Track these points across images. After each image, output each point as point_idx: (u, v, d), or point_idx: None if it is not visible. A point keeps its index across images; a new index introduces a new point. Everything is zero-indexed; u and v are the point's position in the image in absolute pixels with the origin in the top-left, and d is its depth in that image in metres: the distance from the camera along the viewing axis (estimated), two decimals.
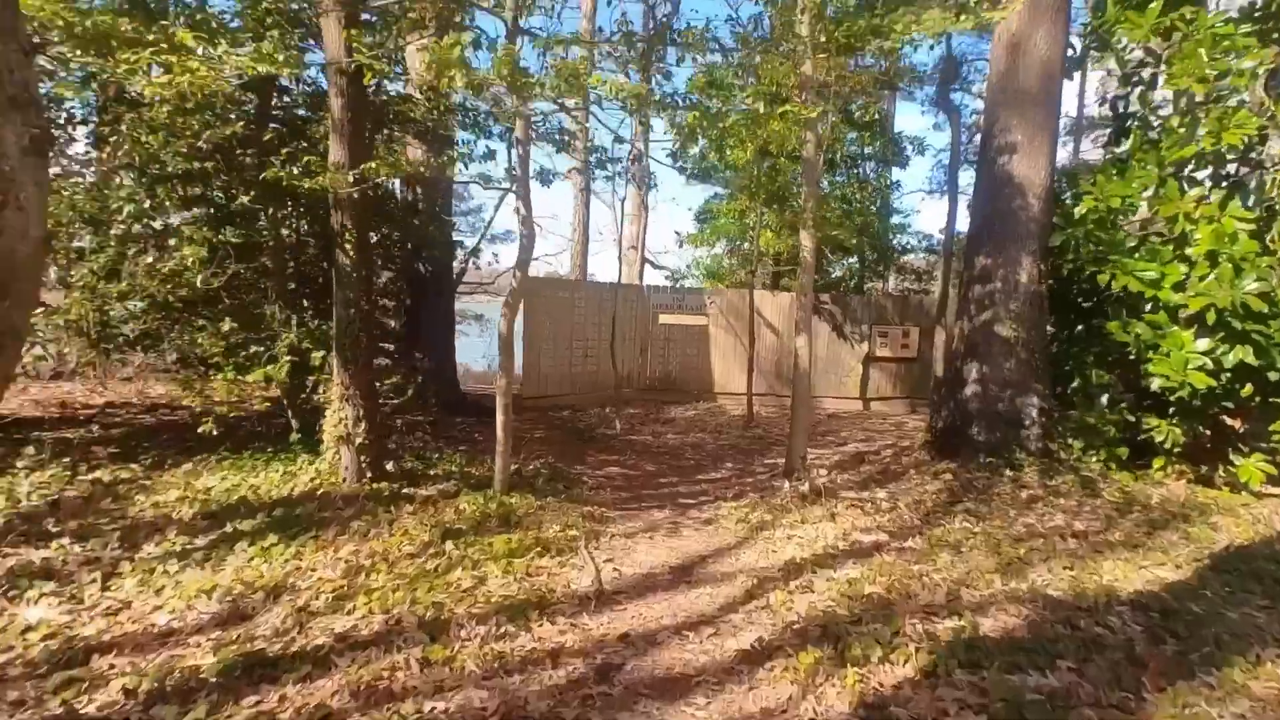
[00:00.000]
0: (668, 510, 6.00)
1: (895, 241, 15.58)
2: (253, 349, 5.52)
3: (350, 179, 4.71)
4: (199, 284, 5.34)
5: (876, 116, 13.94)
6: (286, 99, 6.94)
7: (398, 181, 10.38)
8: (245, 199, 5.34)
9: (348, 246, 4.95)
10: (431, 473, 6.06)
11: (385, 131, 7.56)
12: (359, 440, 5.15)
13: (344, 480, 5.19)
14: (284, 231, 6.41)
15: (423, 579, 3.81)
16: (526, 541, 4.49)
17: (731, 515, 5.72)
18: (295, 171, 4.78)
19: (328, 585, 3.63)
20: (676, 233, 15.02)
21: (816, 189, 6.85)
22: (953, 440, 7.19)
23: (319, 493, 4.99)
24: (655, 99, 5.57)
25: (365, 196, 5.16)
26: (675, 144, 6.12)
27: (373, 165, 4.52)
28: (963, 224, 14.85)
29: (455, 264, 11.29)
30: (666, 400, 12.82)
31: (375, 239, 9.76)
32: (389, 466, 5.86)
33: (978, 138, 16.34)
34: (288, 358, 5.38)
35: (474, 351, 23.74)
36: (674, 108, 6.13)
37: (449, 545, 4.26)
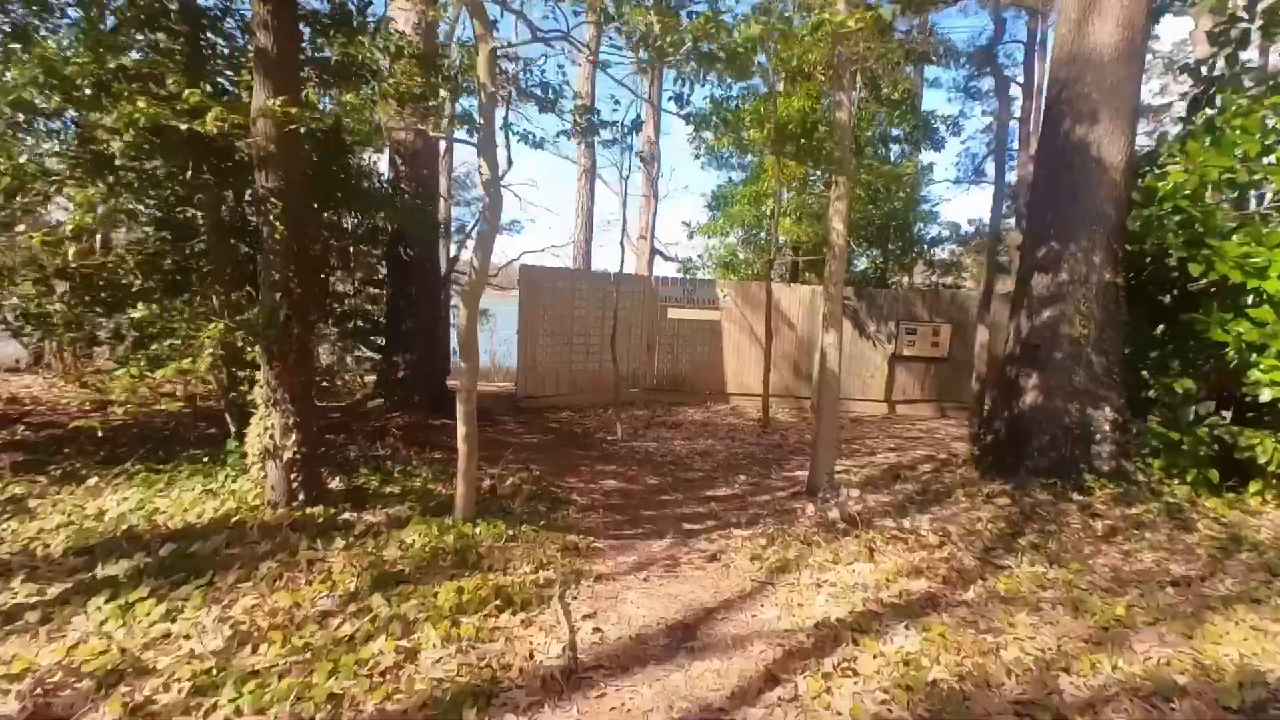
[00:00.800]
0: (668, 540, 5.00)
1: (924, 231, 14.45)
2: (169, 342, 4.57)
3: (259, 123, 3.75)
4: (74, 258, 4.39)
5: (906, 95, 12.81)
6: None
7: (384, 158, 9.44)
8: (125, 139, 4.35)
9: (273, 214, 3.97)
10: (387, 491, 5.09)
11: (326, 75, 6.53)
12: (288, 454, 4.19)
13: (269, 504, 4.24)
14: (226, 200, 5.44)
15: (328, 654, 2.83)
16: (484, 591, 3.50)
17: (745, 549, 4.71)
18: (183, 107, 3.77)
19: (189, 669, 2.65)
20: (685, 223, 13.95)
21: (849, 155, 5.79)
22: (1006, 457, 6.13)
23: (234, 520, 4.03)
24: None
25: (296, 152, 4.18)
26: (681, 82, 5.04)
27: (295, 109, 3.54)
28: (1001, 209, 13.71)
29: (448, 251, 10.38)
30: (675, 401, 11.81)
31: (354, 223, 8.85)
32: (335, 483, 4.90)
33: (1012, 120, 15.16)
34: (209, 351, 4.42)
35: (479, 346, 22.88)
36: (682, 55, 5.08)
37: (378, 599, 3.27)
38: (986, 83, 20.10)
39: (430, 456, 6.64)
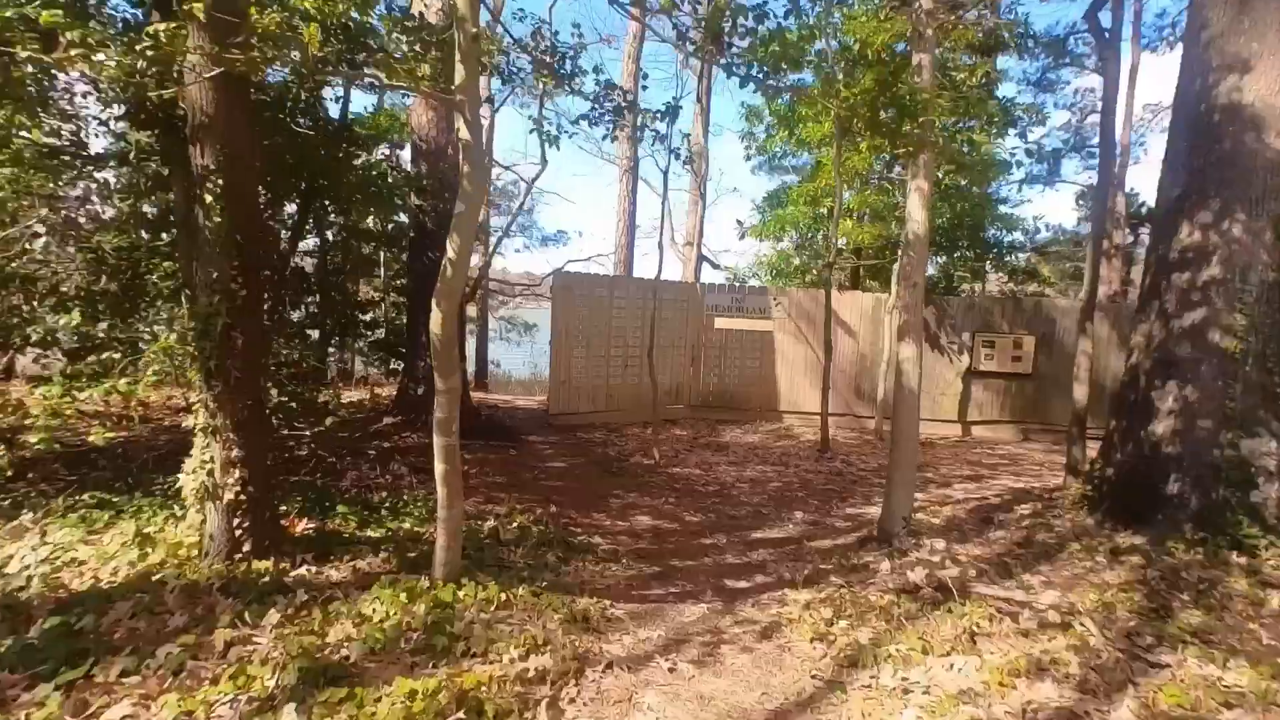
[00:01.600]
0: (705, 602, 3.99)
1: (1001, 234, 13.06)
2: (106, 355, 3.84)
3: (192, 85, 2.97)
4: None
5: (984, 80, 11.52)
6: None
7: (407, 153, 8.75)
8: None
9: (209, 196, 3.19)
10: (366, 535, 4.24)
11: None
12: (229, 495, 3.38)
13: (206, 556, 3.43)
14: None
15: None
16: (445, 696, 2.57)
17: (804, 622, 3.66)
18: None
19: None
20: (738, 221, 12.93)
21: (931, 126, 4.73)
22: (1132, 498, 4.90)
23: (156, 577, 3.23)
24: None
25: (239, 119, 3.39)
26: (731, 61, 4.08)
27: (234, 55, 2.72)
28: (1108, 196, 12.19)
29: (475, 259, 9.62)
30: (722, 420, 10.76)
31: (373, 225, 8.17)
32: (303, 526, 4.07)
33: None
34: (156, 368, 3.66)
35: (517, 358, 22.25)
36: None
37: (290, 713, 2.37)
38: (1061, 74, 18.54)
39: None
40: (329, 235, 8.35)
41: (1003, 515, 5.69)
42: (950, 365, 10.91)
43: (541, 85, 5.18)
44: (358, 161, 6.92)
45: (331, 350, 9.64)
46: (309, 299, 8.46)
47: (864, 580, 4.26)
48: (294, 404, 5.16)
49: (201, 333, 3.25)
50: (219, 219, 3.20)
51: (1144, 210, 19.01)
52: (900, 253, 4.84)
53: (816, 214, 11.46)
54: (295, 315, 8.41)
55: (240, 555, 3.43)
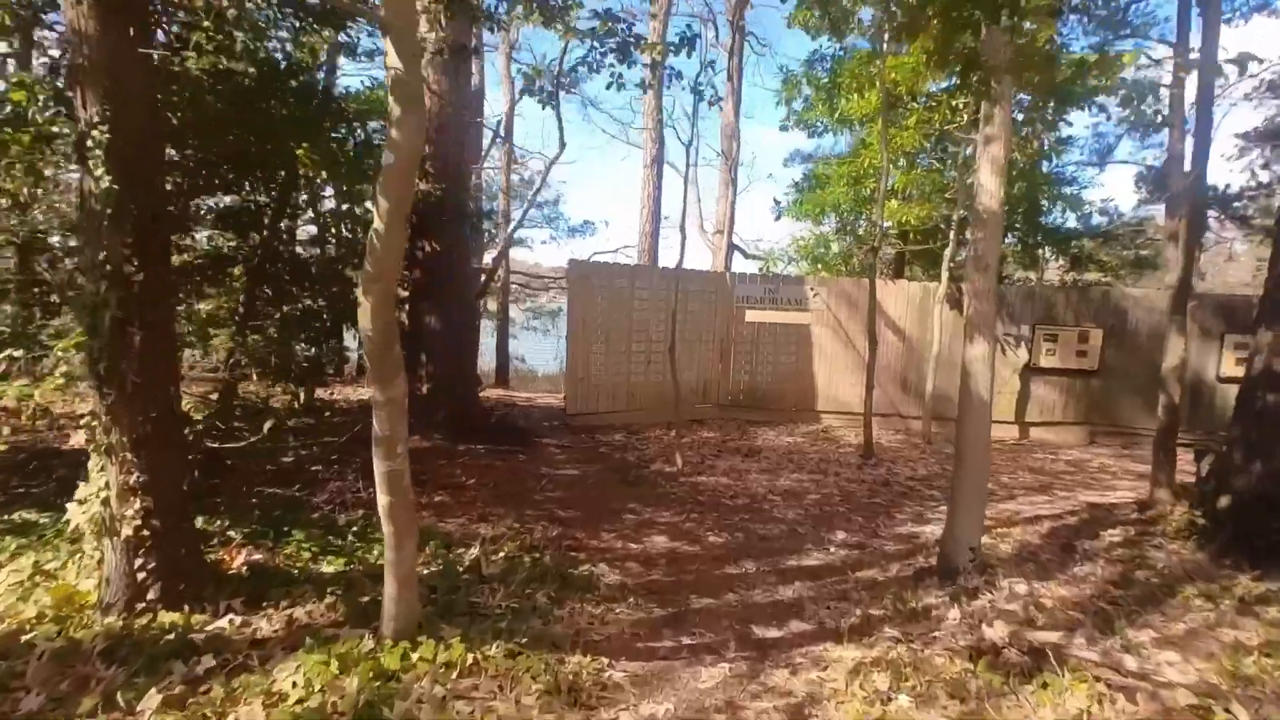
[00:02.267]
0: (727, 660, 3.23)
1: (1065, 217, 11.93)
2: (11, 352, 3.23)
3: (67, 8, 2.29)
4: None
5: (1048, 46, 10.39)
6: None
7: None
8: None
9: (93, 155, 2.51)
10: (319, 571, 3.55)
11: None
12: (129, 530, 2.72)
13: (102, 603, 2.78)
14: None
15: None
16: None
17: (852, 697, 2.87)
18: None
19: None
20: (776, 200, 12.06)
21: (1018, 34, 3.85)
22: (1261, 531, 3.98)
23: (27, 637, 2.58)
24: None
25: (132, 60, 2.70)
26: None
27: None
28: (1207, 159, 10.96)
29: (488, 252, 8.98)
30: (754, 420, 9.93)
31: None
32: (242, 560, 3.40)
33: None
34: (65, 369, 3.03)
35: (546, 352, 21.61)
36: None
37: None
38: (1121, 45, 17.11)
39: (426, 500, 5.12)
40: (327, 220, 7.74)
41: (1087, 542, 4.79)
42: (1006, 360, 9.89)
43: (533, 24, 4.40)
44: (341, 135, 6.26)
45: (338, 345, 9.04)
46: (305, 290, 7.87)
47: (926, 633, 3.44)
48: (233, 409, 4.50)
49: (89, 328, 2.59)
50: (106, 184, 2.53)
51: (1217, 193, 17.52)
52: (970, 231, 3.98)
53: (859, 195, 10.51)
54: (290, 308, 7.83)
55: (144, 604, 2.77)
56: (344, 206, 7.61)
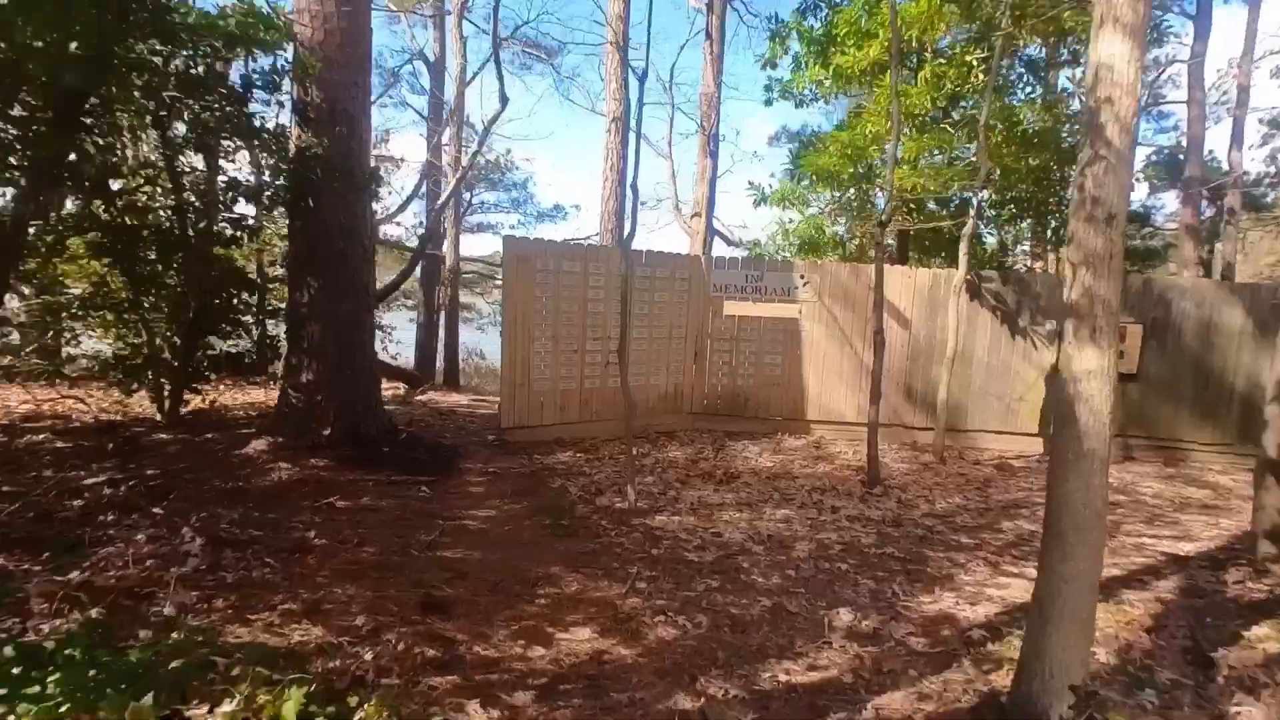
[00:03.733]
0: None
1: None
2: None
3: None
4: None
5: None
6: None
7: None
8: None
9: None
10: None
11: None
12: None
13: None
14: None
15: None
16: None
17: None
18: None
19: None
20: (751, 184, 10.46)
21: None
22: None
23: None
24: None
25: None
26: None
27: None
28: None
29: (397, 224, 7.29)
30: (733, 432, 8.35)
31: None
32: None
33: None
34: None
35: (493, 341, 19.91)
36: None
37: None
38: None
39: (240, 574, 3.47)
40: (184, 184, 6.03)
41: (1223, 650, 3.21)
42: (1028, 361, 8.38)
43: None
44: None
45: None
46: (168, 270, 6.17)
47: None
48: None
49: None
50: None
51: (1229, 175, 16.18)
52: (1083, 156, 2.36)
53: (858, 169, 8.92)
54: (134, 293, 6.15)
55: None
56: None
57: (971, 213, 7.38)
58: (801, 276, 8.46)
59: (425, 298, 16.20)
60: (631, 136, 7.47)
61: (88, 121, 4.83)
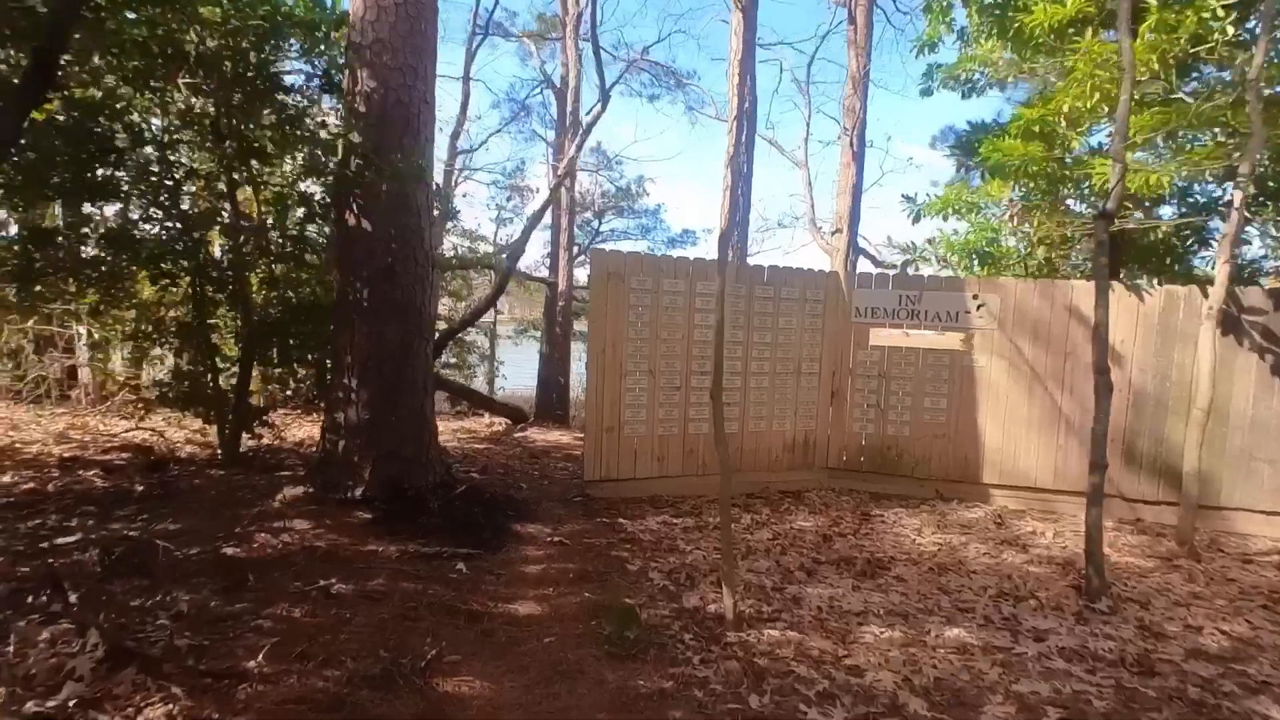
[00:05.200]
0: None
1: None
2: None
3: None
4: None
5: None
6: None
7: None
8: None
9: None
10: None
11: None
12: None
13: None
14: None
15: None
16: None
17: None
18: None
19: None
20: (906, 198, 8.61)
21: None
22: None
23: None
24: None
25: None
26: None
27: None
28: None
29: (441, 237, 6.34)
30: (880, 495, 6.55)
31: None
32: None
33: None
34: None
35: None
36: None
37: None
38: None
39: (177, 694, 2.36)
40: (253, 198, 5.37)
41: None
42: None
43: None
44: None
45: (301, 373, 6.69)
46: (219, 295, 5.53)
47: None
48: None
49: None
50: None
51: None
52: None
53: (1055, 154, 6.89)
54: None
55: None
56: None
57: (1236, 204, 5.19)
58: (974, 297, 6.55)
59: (547, 329, 15.56)
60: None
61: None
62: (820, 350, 6.79)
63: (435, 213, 7.55)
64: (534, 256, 19.03)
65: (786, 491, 6.56)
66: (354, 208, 4.75)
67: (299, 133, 4.98)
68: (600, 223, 20.59)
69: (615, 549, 4.77)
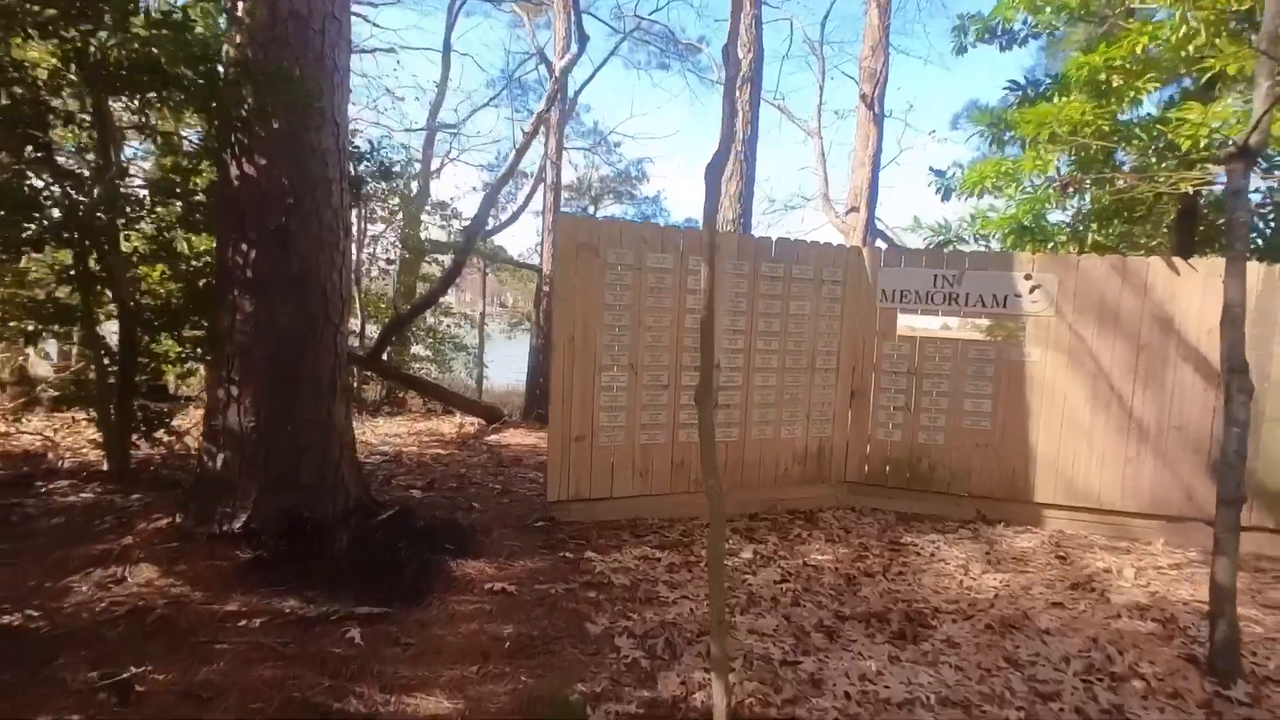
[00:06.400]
0: None
1: None
2: None
3: None
4: None
5: None
6: None
7: None
8: None
9: None
10: None
11: None
12: None
13: None
14: None
15: None
16: None
17: None
18: None
19: None
20: (934, 171, 7.42)
21: None
22: None
23: None
24: None
25: None
26: None
27: None
28: None
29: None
30: (911, 516, 5.42)
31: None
32: None
33: None
34: None
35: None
36: None
37: None
38: None
39: None
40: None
41: None
42: None
43: None
44: None
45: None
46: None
47: None
48: None
49: None
50: None
51: None
52: None
53: (1111, 106, 5.71)
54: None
55: None
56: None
57: None
58: (1027, 277, 5.38)
59: (536, 319, 14.45)
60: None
61: None
62: (838, 341, 5.64)
63: (371, 173, 6.38)
64: (530, 243, 17.90)
65: (797, 511, 5.43)
66: (236, 148, 3.61)
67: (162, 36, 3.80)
68: (596, 209, 19.44)
69: (576, 598, 3.65)
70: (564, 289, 4.75)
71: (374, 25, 14.21)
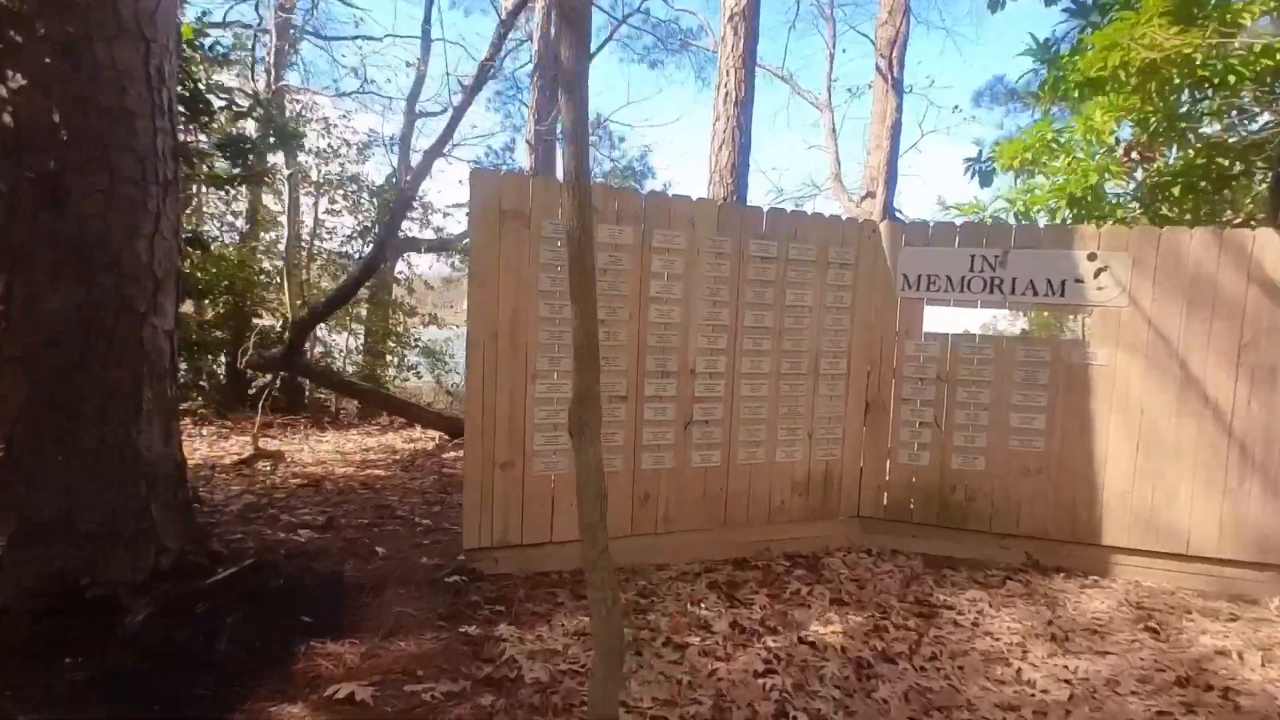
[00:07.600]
0: None
1: None
2: None
3: None
4: None
5: None
6: None
7: None
8: None
9: None
10: None
11: None
12: None
13: None
14: None
15: None
16: None
17: None
18: None
19: None
20: (967, 160, 6.19)
21: None
22: None
23: None
24: None
25: None
26: None
27: None
28: None
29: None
30: (941, 559, 4.22)
31: None
32: None
33: None
34: None
35: None
36: None
37: None
38: None
39: None
40: None
41: None
42: None
43: None
44: None
45: None
46: None
47: None
48: None
49: None
50: None
51: None
52: None
53: (1193, 51, 4.49)
54: None
55: None
56: None
57: None
58: (1092, 257, 4.19)
59: None
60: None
61: None
62: (849, 340, 4.47)
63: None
64: None
65: (797, 556, 4.26)
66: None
67: None
68: None
69: (460, 710, 2.50)
70: (483, 269, 3.62)
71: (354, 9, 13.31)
